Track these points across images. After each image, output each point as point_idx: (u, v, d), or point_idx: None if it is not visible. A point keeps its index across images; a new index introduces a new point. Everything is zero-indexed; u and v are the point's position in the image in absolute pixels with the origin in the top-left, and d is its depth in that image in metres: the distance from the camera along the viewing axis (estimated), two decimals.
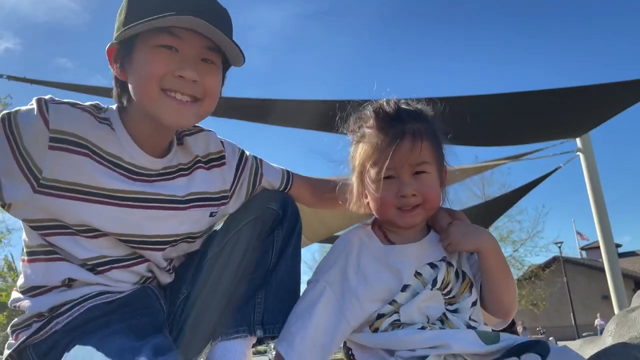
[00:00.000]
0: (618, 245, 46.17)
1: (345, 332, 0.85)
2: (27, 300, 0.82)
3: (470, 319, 0.85)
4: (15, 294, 0.86)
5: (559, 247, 27.97)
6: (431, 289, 0.84)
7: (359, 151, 0.93)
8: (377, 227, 0.96)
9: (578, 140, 11.93)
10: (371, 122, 0.92)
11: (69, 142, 0.82)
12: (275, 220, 0.95)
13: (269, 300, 0.89)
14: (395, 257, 0.89)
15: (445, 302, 0.85)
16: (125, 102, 0.90)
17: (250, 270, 0.89)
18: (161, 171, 0.91)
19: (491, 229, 25.18)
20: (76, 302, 0.81)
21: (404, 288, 0.85)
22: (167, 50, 0.82)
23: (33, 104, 0.82)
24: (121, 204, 0.84)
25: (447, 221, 0.93)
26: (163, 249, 0.90)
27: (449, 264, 0.90)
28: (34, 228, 0.83)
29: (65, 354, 0.66)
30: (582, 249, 44.25)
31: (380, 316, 0.85)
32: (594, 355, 0.84)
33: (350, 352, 0.87)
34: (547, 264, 31.13)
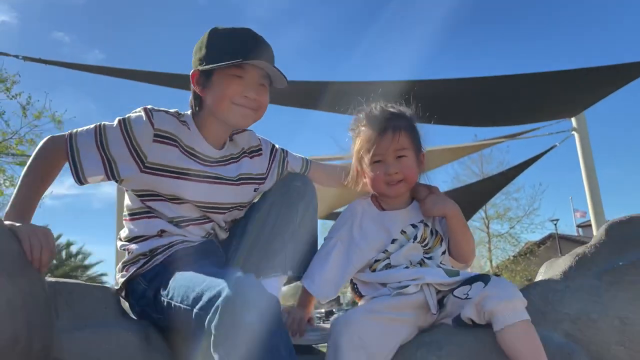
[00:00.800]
0: None
1: (351, 273, 1.16)
2: (133, 245, 1.11)
3: (441, 263, 1.17)
4: (120, 242, 1.17)
5: (555, 225, 28.38)
6: (413, 242, 1.14)
7: (356, 143, 1.21)
8: (374, 199, 1.25)
9: (573, 119, 12.19)
10: (364, 122, 1.21)
11: (166, 137, 1.12)
12: (299, 194, 1.26)
13: (296, 251, 1.20)
14: (387, 220, 1.19)
15: (423, 251, 1.15)
16: (197, 109, 1.20)
17: (281, 230, 1.20)
18: (219, 159, 1.20)
19: (488, 206, 25.56)
20: (167, 246, 1.09)
21: (393, 241, 1.15)
22: (238, 79, 1.14)
23: (141, 112, 1.13)
24: (196, 181, 1.13)
25: (425, 194, 1.23)
26: (223, 213, 1.21)
27: (426, 225, 1.19)
28: (138, 195, 1.14)
29: (170, 278, 0.98)
30: (578, 226, 44.72)
31: (376, 261, 1.15)
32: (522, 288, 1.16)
33: (355, 286, 1.19)
34: (543, 241, 31.61)
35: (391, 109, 1.19)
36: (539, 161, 10.38)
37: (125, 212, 1.17)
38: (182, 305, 0.90)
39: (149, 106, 1.14)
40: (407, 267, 1.10)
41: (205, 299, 0.84)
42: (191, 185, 1.12)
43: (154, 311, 1.01)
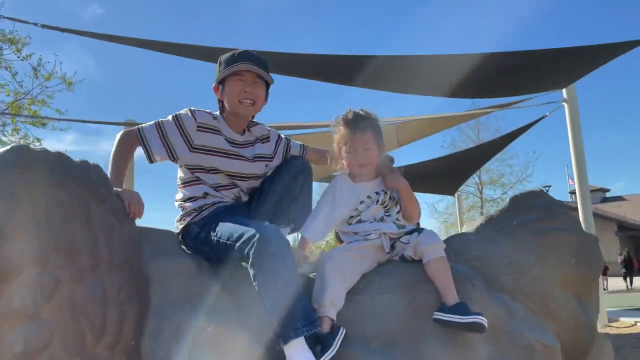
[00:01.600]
0: (606, 190, 47.07)
1: (333, 225, 1.65)
2: (187, 203, 1.58)
3: (396, 219, 1.67)
4: (177, 202, 1.66)
5: (547, 191, 28.98)
6: (375, 204, 1.64)
7: (336, 138, 1.69)
8: (349, 174, 1.74)
9: (564, 91, 12.59)
10: (342, 123, 1.66)
11: (206, 127, 1.58)
12: (299, 169, 1.75)
13: (297, 211, 1.70)
14: (357, 189, 1.66)
15: (383, 211, 1.65)
16: (221, 108, 1.68)
17: (287, 195, 1.70)
18: (242, 142, 1.68)
19: (483, 171, 26.00)
20: (210, 204, 1.57)
21: (361, 203, 1.65)
22: (239, 81, 1.62)
23: (187, 111, 1.60)
24: (227, 157, 1.61)
25: (387, 172, 1.71)
26: (245, 181, 1.69)
27: (385, 193, 1.68)
28: (188, 168, 1.62)
29: (216, 225, 1.47)
30: (571, 192, 45.39)
31: (351, 217, 1.65)
32: (448, 237, 1.66)
33: (337, 235, 1.70)
34: None
35: (361, 113, 1.67)
36: (536, 130, 10.80)
37: (179, 182, 1.67)
38: (227, 242, 1.41)
39: (193, 107, 1.63)
40: (371, 222, 1.61)
41: (244, 238, 1.35)
42: (224, 160, 1.62)
43: (205, 247, 1.52)
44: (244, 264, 1.37)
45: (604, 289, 24.79)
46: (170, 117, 1.62)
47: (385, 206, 1.64)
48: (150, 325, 1.32)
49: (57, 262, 1.17)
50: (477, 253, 1.54)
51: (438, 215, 27.40)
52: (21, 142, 10.55)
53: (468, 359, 1.34)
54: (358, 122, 1.61)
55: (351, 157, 1.62)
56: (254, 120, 1.80)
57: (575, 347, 1.53)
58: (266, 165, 1.76)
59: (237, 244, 1.37)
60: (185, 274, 1.44)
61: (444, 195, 21.89)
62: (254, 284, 1.32)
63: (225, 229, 1.44)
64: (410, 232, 1.53)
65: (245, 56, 1.65)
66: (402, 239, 1.54)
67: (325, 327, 1.35)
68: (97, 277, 1.22)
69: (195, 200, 1.61)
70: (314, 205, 1.75)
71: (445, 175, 15.82)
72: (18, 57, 11.54)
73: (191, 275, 1.45)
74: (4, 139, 10.25)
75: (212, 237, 1.47)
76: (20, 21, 6.77)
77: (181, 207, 1.63)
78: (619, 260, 26.80)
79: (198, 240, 1.54)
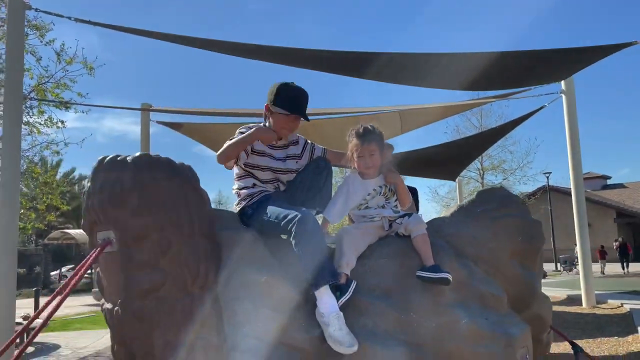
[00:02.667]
0: (607, 177, 47.26)
1: (347, 210, 2.25)
2: (242, 191, 2.18)
3: (394, 207, 2.27)
4: (234, 190, 2.26)
5: (547, 177, 29.44)
6: (379, 195, 2.24)
7: (350, 146, 2.24)
8: (359, 173, 2.33)
9: (562, 83, 13.13)
10: (354, 135, 2.22)
11: None
12: (322, 167, 2.34)
13: (320, 200, 2.30)
14: (366, 184, 2.23)
15: (384, 200, 2.25)
16: (267, 123, 2.26)
17: (313, 187, 2.29)
18: (279, 146, 2.27)
19: (484, 157, 26.43)
20: (258, 192, 2.15)
21: (368, 195, 2.23)
22: (286, 116, 2.18)
23: (244, 129, 2.19)
24: (271, 158, 2.20)
25: (387, 171, 2.30)
26: (285, 174, 2.28)
27: (386, 186, 2.26)
28: (245, 165, 2.20)
29: (266, 208, 2.07)
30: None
31: (360, 205, 2.26)
32: (430, 219, 2.27)
33: (350, 218, 2.32)
34: (534, 193, 32.72)
35: (369, 128, 2.26)
36: (541, 118, 11.43)
37: (235, 176, 2.26)
38: (275, 220, 2.02)
39: (250, 124, 2.23)
40: (375, 208, 2.22)
41: (288, 218, 1.96)
42: (270, 160, 2.23)
43: (257, 223, 2.12)
44: (286, 236, 1.98)
45: (602, 273, 25.50)
46: (237, 132, 2.21)
47: (386, 196, 2.25)
48: (222, 276, 1.94)
49: (170, 230, 1.79)
50: (450, 231, 2.15)
51: (440, 199, 27.92)
52: (46, 122, 11.15)
53: (441, 303, 1.96)
54: (366, 135, 2.21)
55: (360, 161, 2.21)
56: None
57: (518, 300, 2.15)
58: (296, 162, 2.36)
59: (282, 222, 1.98)
60: (244, 242, 2.05)
61: (446, 181, 22.45)
62: (294, 250, 1.94)
63: (273, 211, 2.05)
64: (403, 216, 2.14)
65: (300, 108, 2.22)
66: (397, 221, 2.15)
67: (343, 280, 1.97)
68: (193, 241, 1.84)
69: (247, 189, 2.22)
70: (333, 195, 2.37)
71: (447, 161, 16.43)
72: (41, 42, 12.11)
73: (248, 243, 2.06)
74: (30, 119, 10.85)
75: (263, 217, 2.08)
76: (55, 15, 7.35)
77: (237, 194, 2.24)
78: (614, 246, 27.37)
79: (252, 218, 2.15)
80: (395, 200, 2.26)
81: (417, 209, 3.40)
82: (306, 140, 2.45)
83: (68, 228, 26.08)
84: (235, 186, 2.27)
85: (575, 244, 26.76)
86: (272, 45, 6.20)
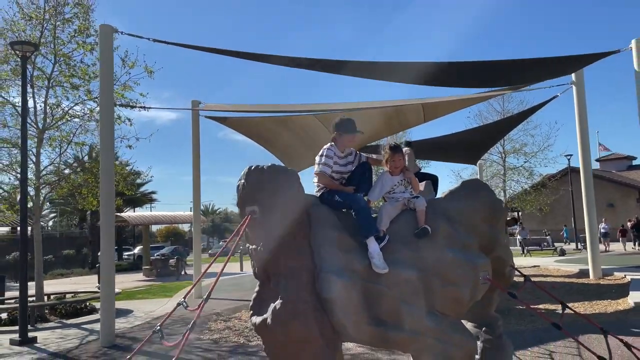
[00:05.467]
0: (632, 158, 47.16)
1: (382, 194, 3.69)
2: (319, 184, 3.70)
3: (410, 192, 3.70)
4: (315, 183, 3.72)
5: (568, 159, 30.22)
6: (401, 185, 3.66)
7: (384, 155, 3.64)
8: (389, 172, 3.76)
9: (573, 75, 14.46)
10: (387, 148, 3.64)
11: (334, 154, 3.64)
12: (367, 168, 3.78)
13: (367, 187, 3.74)
14: (394, 179, 3.61)
15: (404, 188, 3.66)
16: (335, 142, 3.72)
17: (362, 180, 3.73)
18: (343, 156, 3.74)
19: (506, 141, 27.39)
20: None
21: (395, 185, 3.66)
22: (348, 135, 3.67)
23: (324, 150, 3.67)
24: (338, 165, 3.67)
25: (406, 171, 3.71)
26: (345, 174, 3.73)
27: (405, 180, 3.66)
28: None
29: (335, 194, 3.51)
30: (596, 160, 45.96)
31: (390, 191, 3.70)
32: (430, 199, 3.72)
33: (384, 198, 3.77)
34: (556, 175, 33.48)
35: (397, 144, 3.72)
36: (561, 103, 13.02)
37: (315, 176, 3.77)
38: (342, 201, 3.51)
39: (328, 147, 3.71)
40: (399, 193, 3.70)
41: (349, 199, 3.46)
42: (339, 167, 3.72)
43: (330, 204, 3.61)
44: (347, 210, 3.49)
45: (624, 250, 26.35)
46: (324, 156, 3.69)
47: (405, 186, 3.73)
48: (313, 232, 3.45)
49: (286, 205, 3.30)
50: (443, 207, 3.62)
51: None
52: (116, 120, 12.85)
53: (437, 246, 3.42)
54: (395, 149, 3.68)
55: (391, 165, 3.69)
56: None
57: (486, 247, 3.60)
58: (352, 165, 3.84)
59: (346, 201, 3.48)
60: (324, 213, 3.55)
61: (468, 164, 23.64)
62: (354, 217, 3.43)
63: (340, 195, 3.56)
64: (414, 197, 3.62)
65: (352, 126, 3.70)
66: (411, 200, 3.63)
67: (381, 234, 3.46)
68: (307, 212, 3.36)
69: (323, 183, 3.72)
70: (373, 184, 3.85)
71: (467, 147, 17.87)
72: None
73: (326, 214, 3.56)
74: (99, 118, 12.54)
75: (335, 199, 3.58)
76: (136, 36, 9.04)
77: (317, 185, 3.74)
78: (629, 225, 28.16)
79: (327, 200, 3.64)
80: (411, 188, 3.74)
81: (436, 192, 4.81)
82: (356, 151, 3.94)
83: (121, 212, 28.21)
84: (316, 180, 3.77)
85: (602, 222, 27.78)
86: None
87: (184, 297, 3.24)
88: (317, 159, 3.71)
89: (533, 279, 14.29)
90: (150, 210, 45.55)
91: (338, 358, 3.42)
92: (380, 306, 3.28)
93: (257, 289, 3.48)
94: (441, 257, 3.31)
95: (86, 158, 23.34)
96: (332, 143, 3.78)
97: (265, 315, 3.21)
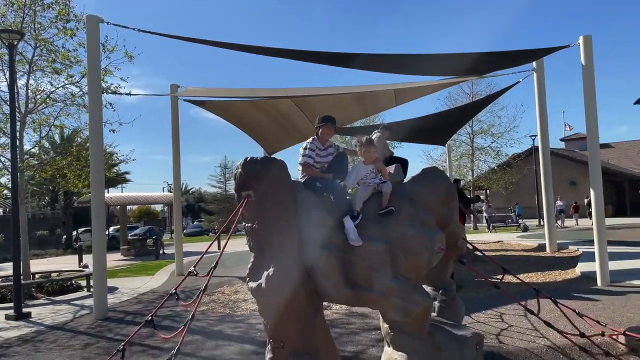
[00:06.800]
0: None
1: (357, 180, 4.38)
2: (302, 172, 4.35)
3: (380, 178, 4.39)
4: (299, 170, 4.38)
5: (533, 140, 31.57)
6: (372, 172, 4.33)
7: (358, 147, 4.29)
8: (363, 162, 4.43)
9: (534, 63, 15.42)
10: (363, 141, 4.28)
11: (316, 147, 4.29)
12: (343, 157, 4.47)
13: (343, 175, 4.43)
14: (367, 168, 4.28)
15: (374, 175, 4.33)
16: (317, 136, 4.37)
17: (339, 168, 4.41)
18: (323, 149, 4.40)
19: (475, 122, 28.49)
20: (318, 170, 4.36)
21: (367, 173, 4.34)
22: (325, 127, 4.33)
23: (307, 143, 4.31)
24: (320, 156, 4.33)
25: (377, 162, 4.40)
26: (325, 163, 4.40)
27: (376, 168, 4.39)
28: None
29: (316, 181, 4.17)
30: (561, 140, 47.77)
31: (363, 178, 4.37)
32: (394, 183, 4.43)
33: (358, 184, 4.45)
34: (520, 155, 34.88)
35: (369, 138, 4.40)
36: (529, 87, 14.13)
37: (299, 166, 4.42)
38: (322, 186, 4.20)
39: (310, 140, 4.37)
40: (371, 179, 4.39)
41: (328, 184, 4.15)
42: (320, 158, 4.38)
43: (312, 189, 4.28)
44: (327, 194, 4.16)
45: (577, 223, 28.03)
46: (307, 149, 4.33)
47: (375, 173, 4.42)
48: (299, 212, 4.12)
49: (277, 190, 3.96)
50: (406, 190, 4.33)
51: (432, 162, 30.29)
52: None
53: (401, 223, 4.13)
54: (368, 143, 4.35)
55: (364, 156, 4.36)
56: None
57: (442, 223, 4.34)
58: (331, 155, 4.50)
59: (326, 187, 4.15)
60: (308, 197, 4.22)
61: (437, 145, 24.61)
62: (332, 199, 4.12)
63: (321, 182, 4.22)
64: (382, 182, 4.32)
65: (329, 119, 4.34)
66: (380, 185, 4.33)
67: (356, 214, 4.15)
68: (287, 195, 4.02)
69: (307, 170, 4.38)
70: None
71: (436, 129, 18.80)
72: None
73: (309, 197, 4.23)
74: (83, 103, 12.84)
75: (316, 184, 4.26)
76: (121, 26, 9.45)
77: (301, 172, 4.40)
78: (586, 202, 29.82)
79: (310, 186, 4.30)
80: (381, 175, 4.43)
81: (405, 175, 5.49)
82: (336, 145, 4.60)
83: None
84: (300, 168, 4.43)
85: (557, 200, 29.57)
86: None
87: (194, 266, 3.88)
88: (301, 151, 4.36)
89: (496, 253, 15.37)
90: (122, 191, 45.43)
91: (320, 317, 4.13)
92: (354, 273, 3.99)
93: (252, 259, 4.15)
94: (404, 232, 4.03)
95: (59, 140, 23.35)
96: (315, 137, 4.43)
97: (260, 281, 3.89)
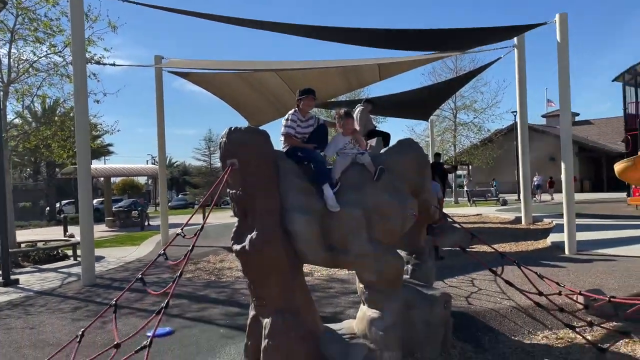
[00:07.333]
0: (575, 114, 49.83)
1: (336, 150, 4.61)
2: (285, 142, 4.59)
3: (358, 149, 4.63)
4: (281, 140, 4.60)
5: (514, 115, 32.03)
6: (351, 143, 4.58)
7: (337, 120, 4.54)
8: (342, 133, 4.67)
9: (515, 39, 15.68)
10: (340, 113, 4.51)
11: (297, 118, 4.52)
12: (323, 129, 4.69)
13: (323, 146, 4.69)
14: (345, 139, 4.51)
15: (352, 145, 4.57)
16: (298, 107, 4.59)
17: (319, 139, 4.65)
18: (305, 121, 4.62)
19: (457, 97, 28.79)
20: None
21: (346, 143, 4.57)
22: (307, 99, 4.55)
23: (289, 114, 4.53)
24: (301, 127, 4.54)
25: (356, 133, 4.63)
26: (306, 135, 4.62)
27: (354, 139, 4.63)
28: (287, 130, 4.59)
29: (298, 150, 4.42)
30: (542, 116, 48.40)
31: (342, 148, 4.61)
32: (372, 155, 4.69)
33: (337, 154, 4.69)
34: (501, 130, 35.37)
35: (348, 110, 4.63)
36: (512, 63, 14.36)
37: (281, 136, 4.65)
38: (303, 155, 4.45)
39: (293, 112, 4.58)
40: (349, 149, 4.64)
41: (310, 155, 4.39)
42: (301, 129, 4.61)
43: (294, 158, 4.49)
44: (307, 163, 4.40)
45: (552, 198, 28.83)
46: (288, 121, 4.55)
47: (353, 144, 4.67)
48: (280, 180, 4.37)
49: (260, 159, 4.20)
50: (382, 160, 4.59)
51: (416, 137, 30.68)
52: None
53: (377, 191, 4.41)
54: (347, 114, 4.59)
55: (343, 128, 4.61)
56: None
57: (415, 191, 4.63)
58: (312, 127, 4.72)
59: (307, 156, 4.40)
60: (289, 166, 4.46)
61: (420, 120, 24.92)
62: (313, 168, 4.37)
63: (302, 151, 4.46)
64: (361, 153, 4.57)
65: (309, 91, 4.56)
66: (358, 155, 4.58)
67: (334, 181, 4.41)
68: (271, 164, 4.26)
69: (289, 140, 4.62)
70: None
71: (419, 104, 19.05)
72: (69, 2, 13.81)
73: (291, 166, 4.47)
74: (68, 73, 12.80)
75: (298, 154, 4.49)
76: None
77: (282, 141, 4.62)
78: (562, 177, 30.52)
79: (292, 155, 4.53)
80: (358, 145, 4.69)
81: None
82: (317, 117, 4.82)
83: None
84: (282, 138, 4.65)
85: (536, 175, 30.35)
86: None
87: (182, 229, 4.12)
88: (283, 122, 4.58)
89: (474, 225, 15.85)
90: (105, 163, 45.11)
91: (300, 277, 4.43)
92: (333, 236, 4.28)
93: (236, 224, 4.40)
94: (379, 199, 4.31)
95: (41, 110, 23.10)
96: (296, 109, 4.65)
97: (244, 244, 4.16)
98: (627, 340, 4.57)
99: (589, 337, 4.44)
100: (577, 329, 4.37)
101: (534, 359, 4.30)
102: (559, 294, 5.07)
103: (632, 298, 4.84)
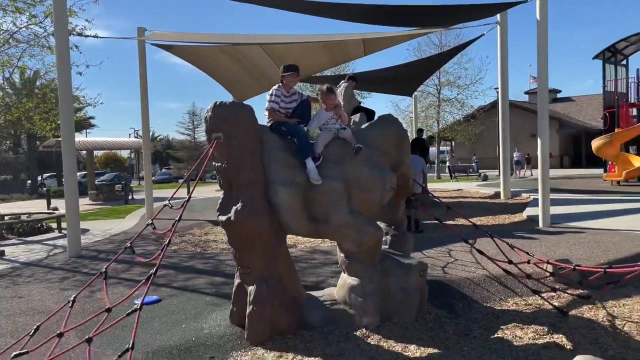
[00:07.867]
0: (557, 91, 50.34)
1: (319, 125, 4.76)
2: (269, 117, 4.73)
3: (340, 124, 4.79)
4: (266, 115, 4.71)
5: (497, 92, 32.29)
6: (333, 119, 4.72)
7: (319, 95, 4.65)
8: (325, 109, 4.81)
9: (498, 15, 15.80)
10: (323, 89, 4.62)
11: (281, 93, 4.64)
12: (307, 104, 4.80)
13: (307, 120, 4.81)
14: (328, 114, 4.63)
15: (335, 121, 4.72)
16: (282, 83, 4.70)
17: (303, 114, 4.80)
18: (288, 96, 4.74)
19: (442, 73, 28.87)
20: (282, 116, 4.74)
21: (329, 119, 4.71)
22: (291, 75, 4.66)
23: (273, 90, 4.64)
24: (284, 102, 4.66)
25: (338, 108, 4.78)
26: (290, 110, 4.74)
27: (337, 115, 4.77)
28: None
29: (282, 125, 4.57)
30: (525, 93, 48.83)
31: (325, 123, 4.77)
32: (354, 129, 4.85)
33: (319, 129, 4.84)
34: (484, 107, 35.71)
35: (330, 87, 4.77)
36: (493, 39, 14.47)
37: (265, 111, 4.78)
38: (287, 130, 4.59)
39: (276, 87, 4.70)
40: (332, 124, 4.80)
41: (293, 130, 4.53)
42: (285, 104, 4.73)
43: (278, 133, 4.62)
44: (291, 137, 4.55)
45: (531, 174, 29.41)
46: (272, 97, 4.67)
47: (336, 119, 4.82)
48: (265, 154, 4.52)
49: (244, 133, 4.33)
50: (363, 134, 4.76)
51: (400, 113, 30.86)
52: None
53: (358, 164, 4.59)
54: (329, 91, 4.73)
55: (325, 103, 4.75)
56: None
57: (394, 165, 4.82)
58: (295, 102, 4.85)
59: (290, 131, 4.55)
60: (273, 140, 4.60)
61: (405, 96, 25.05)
62: (296, 142, 4.52)
63: (286, 126, 4.61)
64: (343, 128, 4.73)
65: (295, 68, 4.67)
66: (340, 130, 4.74)
67: (317, 156, 4.58)
68: (254, 137, 4.40)
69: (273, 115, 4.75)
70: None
71: (403, 80, 19.17)
72: None
73: (275, 140, 4.62)
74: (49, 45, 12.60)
75: (282, 128, 4.63)
76: None
77: (266, 116, 4.75)
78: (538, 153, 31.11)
79: (275, 130, 4.67)
80: (341, 121, 4.84)
81: None
82: (300, 92, 4.95)
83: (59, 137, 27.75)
84: (266, 113, 4.78)
85: (515, 151, 30.60)
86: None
87: (169, 200, 4.27)
88: (267, 97, 4.70)
89: (454, 200, 16.21)
90: (86, 136, 44.50)
91: (283, 247, 4.63)
92: (314, 208, 4.47)
93: (222, 196, 4.57)
94: (360, 172, 4.49)
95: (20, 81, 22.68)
96: (280, 84, 4.77)
97: (229, 215, 4.33)
98: (590, 305, 4.89)
99: (555, 303, 4.73)
100: (543, 295, 4.66)
101: (503, 322, 4.59)
102: (528, 262, 5.37)
103: (596, 267, 5.15)
